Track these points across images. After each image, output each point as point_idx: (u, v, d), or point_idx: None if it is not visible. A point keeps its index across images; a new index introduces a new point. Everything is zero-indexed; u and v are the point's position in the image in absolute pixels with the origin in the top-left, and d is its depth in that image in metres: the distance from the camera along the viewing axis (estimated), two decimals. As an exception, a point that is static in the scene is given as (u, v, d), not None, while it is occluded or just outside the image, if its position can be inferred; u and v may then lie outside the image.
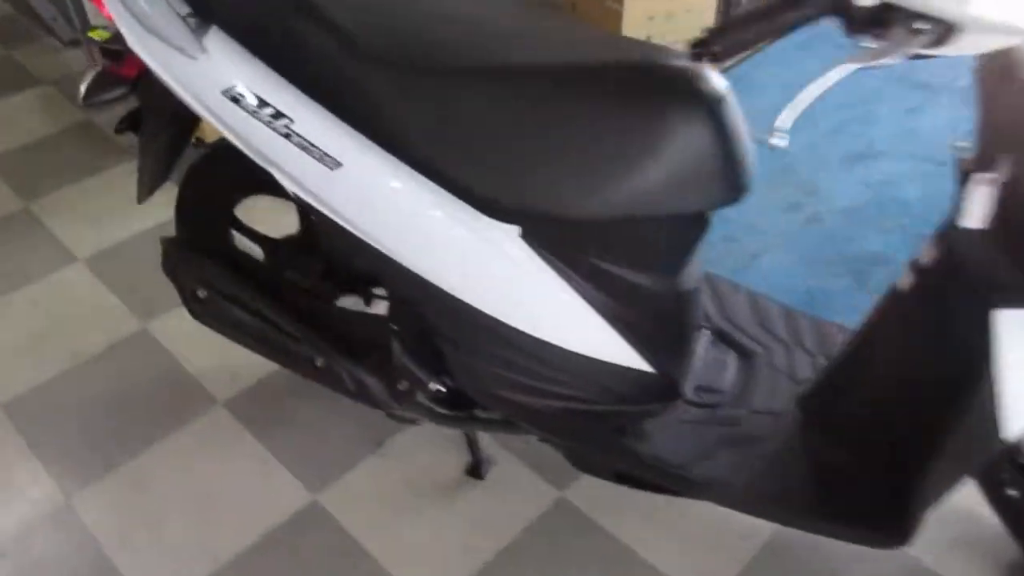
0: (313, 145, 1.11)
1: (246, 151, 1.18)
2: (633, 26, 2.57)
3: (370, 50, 1.06)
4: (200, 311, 1.42)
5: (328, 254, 1.50)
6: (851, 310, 1.95)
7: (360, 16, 1.08)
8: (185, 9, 1.14)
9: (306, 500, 1.58)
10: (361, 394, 1.40)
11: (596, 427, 1.28)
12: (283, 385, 1.77)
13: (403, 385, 1.39)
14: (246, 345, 1.46)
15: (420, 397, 1.39)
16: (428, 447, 1.67)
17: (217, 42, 1.13)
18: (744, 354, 1.41)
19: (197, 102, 1.16)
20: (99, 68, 1.26)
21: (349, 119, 1.10)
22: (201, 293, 1.39)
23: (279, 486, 1.60)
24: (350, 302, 1.58)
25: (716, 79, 1.05)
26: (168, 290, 1.96)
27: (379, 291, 1.55)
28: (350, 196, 1.14)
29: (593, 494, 1.58)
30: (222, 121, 1.16)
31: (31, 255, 2.10)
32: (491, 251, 1.13)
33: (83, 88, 1.24)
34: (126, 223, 2.19)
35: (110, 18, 1.20)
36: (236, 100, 1.13)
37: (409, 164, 1.10)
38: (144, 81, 1.26)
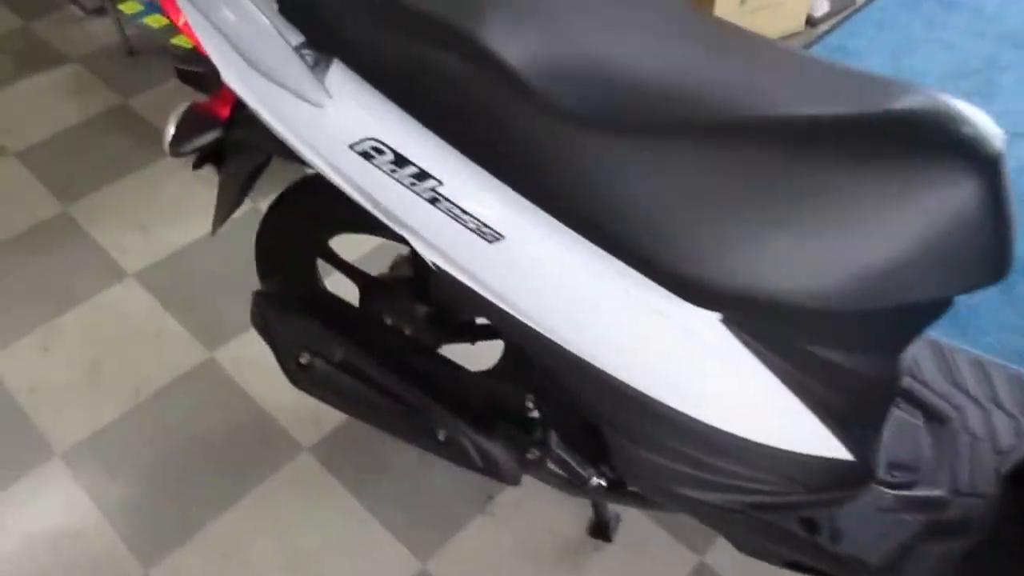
0: (467, 213, 0.90)
1: (375, 212, 0.96)
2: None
3: (551, 101, 0.83)
4: (302, 379, 1.21)
5: (441, 302, 1.30)
6: (999, 328, 1.75)
7: (534, 56, 0.84)
8: (298, 39, 0.90)
9: (415, 570, 1.40)
10: (488, 468, 1.22)
11: (781, 521, 1.09)
12: (370, 427, 1.58)
13: (533, 454, 1.21)
14: (354, 414, 1.27)
15: (552, 465, 1.22)
16: (542, 502, 1.49)
17: (343, 82, 0.90)
18: (935, 418, 1.21)
19: (314, 154, 0.94)
20: (185, 106, 1.03)
21: (516, 183, 0.88)
22: (304, 359, 1.18)
23: (383, 552, 1.42)
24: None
25: (990, 124, 0.82)
26: (231, 311, 1.78)
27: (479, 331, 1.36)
28: (510, 273, 0.92)
29: (735, 556, 1.40)
30: (347, 178, 0.94)
31: (76, 270, 1.89)
32: (685, 339, 0.92)
33: (169, 133, 1.01)
34: (177, 229, 1.97)
35: (198, 44, 0.96)
36: (368, 156, 0.91)
37: (590, 239, 0.88)
38: (239, 117, 1.03)
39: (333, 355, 1.17)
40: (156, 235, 1.96)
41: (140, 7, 2.28)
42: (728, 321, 0.91)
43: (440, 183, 0.89)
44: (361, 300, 1.38)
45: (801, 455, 1.02)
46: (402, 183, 0.91)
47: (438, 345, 1.39)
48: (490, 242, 0.90)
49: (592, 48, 0.87)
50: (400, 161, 0.89)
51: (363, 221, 1.07)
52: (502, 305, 0.95)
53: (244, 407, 1.63)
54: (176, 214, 2.01)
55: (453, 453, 1.21)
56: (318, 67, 0.90)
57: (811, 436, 1.01)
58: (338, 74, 0.90)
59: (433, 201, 0.90)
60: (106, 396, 1.65)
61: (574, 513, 1.47)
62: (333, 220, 1.26)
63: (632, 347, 0.94)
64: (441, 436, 1.19)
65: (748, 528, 1.11)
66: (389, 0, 0.87)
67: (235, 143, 1.06)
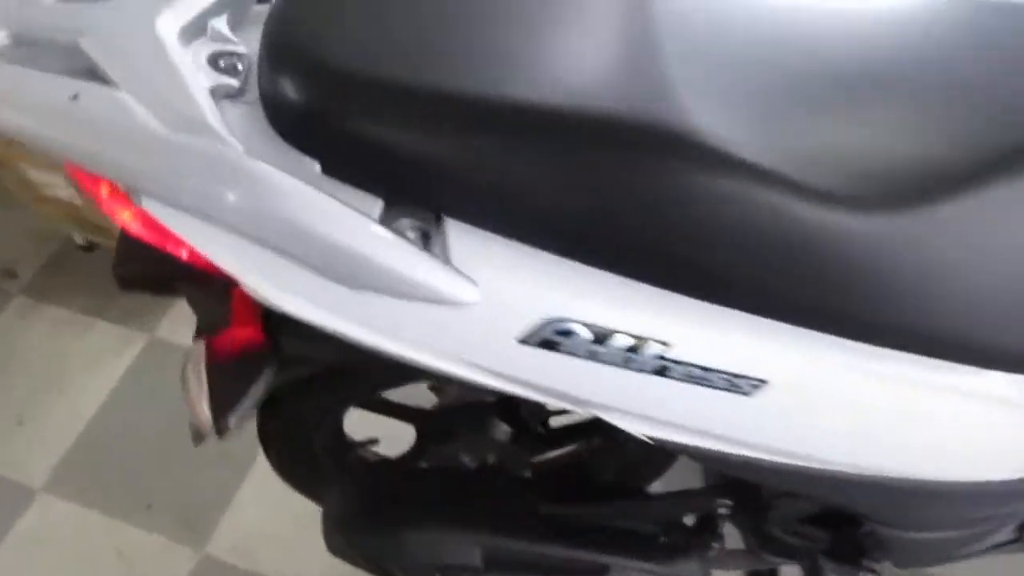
0: (713, 371, 0.61)
1: (554, 402, 0.65)
2: None
3: (815, 189, 0.55)
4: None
5: (528, 416, 1.02)
6: None
7: (773, 137, 0.55)
8: (372, 204, 0.56)
9: None
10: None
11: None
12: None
13: (713, 550, 1.01)
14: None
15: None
16: None
17: (477, 251, 0.57)
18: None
19: (452, 363, 0.61)
20: (198, 352, 0.64)
21: (776, 310, 0.60)
22: (439, 576, 0.87)
23: None
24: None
25: None
26: (194, 484, 1.39)
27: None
28: (778, 420, 0.66)
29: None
30: (515, 380, 0.62)
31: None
32: (994, 409, 0.71)
33: (204, 410, 0.62)
34: (64, 404, 1.50)
35: (174, 245, 0.59)
36: (551, 344, 0.59)
37: (878, 342, 0.63)
38: (277, 329, 0.67)
39: (475, 559, 0.86)
40: (42, 423, 1.48)
41: None
42: (1033, 372, 0.70)
43: (667, 345, 0.60)
44: (419, 443, 1.07)
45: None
46: (610, 363, 0.60)
47: (525, 464, 1.11)
48: (748, 394, 0.63)
49: (819, 100, 0.60)
50: (603, 337, 0.59)
51: (409, 374, 0.76)
52: (759, 455, 0.69)
53: (282, 600, 1.28)
54: (52, 383, 1.53)
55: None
56: (437, 247, 0.56)
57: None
58: (464, 241, 0.57)
59: (661, 371, 0.61)
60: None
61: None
62: (373, 382, 0.92)
63: (928, 439, 0.72)
64: (631, 584, 0.94)
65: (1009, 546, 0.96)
66: (521, 107, 0.54)
67: (286, 361, 0.69)
